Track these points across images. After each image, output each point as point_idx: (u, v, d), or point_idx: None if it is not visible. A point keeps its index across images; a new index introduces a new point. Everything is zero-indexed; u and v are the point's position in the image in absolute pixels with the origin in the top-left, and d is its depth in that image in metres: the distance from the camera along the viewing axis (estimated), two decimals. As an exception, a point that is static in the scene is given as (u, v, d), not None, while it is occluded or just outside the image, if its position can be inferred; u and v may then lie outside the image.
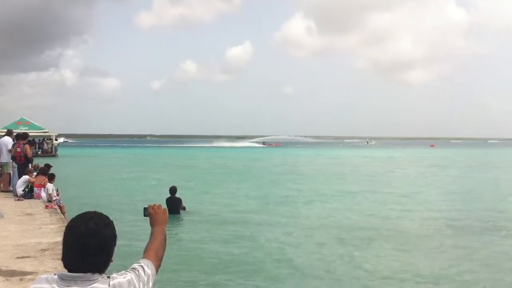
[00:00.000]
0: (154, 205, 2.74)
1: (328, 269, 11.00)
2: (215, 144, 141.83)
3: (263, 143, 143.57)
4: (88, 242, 2.13)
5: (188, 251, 12.05)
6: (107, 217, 2.28)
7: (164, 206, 2.84)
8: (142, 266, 2.31)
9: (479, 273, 10.68)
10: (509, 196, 24.44)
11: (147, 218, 2.72)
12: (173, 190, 15.88)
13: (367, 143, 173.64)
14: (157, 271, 2.41)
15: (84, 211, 2.29)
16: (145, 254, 2.46)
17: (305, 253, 12.58)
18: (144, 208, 2.76)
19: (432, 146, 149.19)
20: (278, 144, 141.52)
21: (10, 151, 15.65)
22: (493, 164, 56.43)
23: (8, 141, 15.89)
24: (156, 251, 2.48)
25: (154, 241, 2.54)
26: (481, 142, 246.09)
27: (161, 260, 2.49)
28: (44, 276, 2.20)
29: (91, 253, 2.14)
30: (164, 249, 2.56)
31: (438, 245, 13.55)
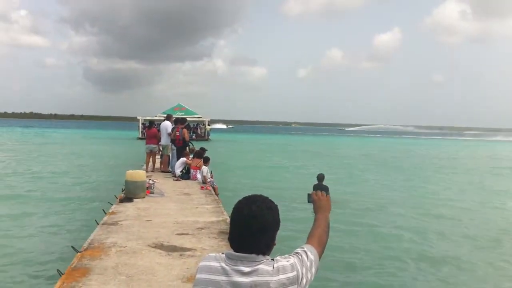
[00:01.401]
0: (318, 191, 2.72)
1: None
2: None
3: None
4: (250, 224, 2.17)
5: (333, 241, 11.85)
6: (271, 201, 2.30)
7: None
8: (305, 251, 2.30)
9: None
10: None
11: (310, 205, 2.67)
12: (320, 177, 15.76)
13: None
14: (320, 258, 2.38)
15: (249, 194, 2.32)
16: (308, 240, 2.45)
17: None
18: (308, 195, 2.75)
19: None
20: None
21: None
22: None
23: (168, 125, 16.98)
24: (319, 238, 2.46)
25: (317, 228, 2.52)
26: None
27: (324, 247, 2.47)
28: (213, 254, 2.27)
29: (252, 235, 2.17)
30: (327, 236, 2.53)
31: None
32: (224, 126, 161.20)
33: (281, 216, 2.32)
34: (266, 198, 2.30)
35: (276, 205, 2.30)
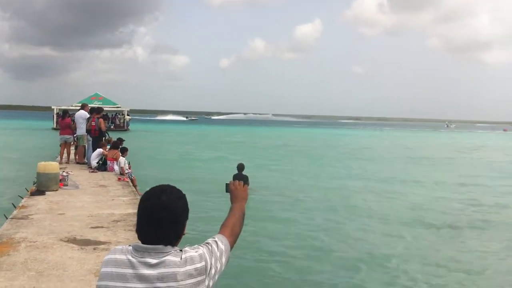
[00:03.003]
0: (236, 181, 2.73)
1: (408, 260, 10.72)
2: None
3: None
4: (160, 215, 2.13)
5: (254, 229, 12.07)
6: (179, 191, 2.26)
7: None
8: (216, 241, 2.28)
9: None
10: None
11: (223, 194, 2.69)
12: (240, 167, 15.92)
13: (447, 126, 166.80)
14: (232, 247, 2.38)
15: (157, 184, 2.27)
16: (221, 229, 2.43)
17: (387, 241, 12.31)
18: (226, 184, 2.76)
19: (505, 130, 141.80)
20: None
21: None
22: None
23: (83, 114, 16.44)
24: (232, 228, 2.45)
25: (231, 217, 2.52)
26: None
27: (237, 236, 2.47)
28: (119, 247, 2.22)
29: (163, 226, 2.13)
30: (241, 226, 2.53)
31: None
32: (182, 118, 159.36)
33: (198, 207, 2.33)
34: (174, 187, 2.26)
35: (184, 194, 2.27)
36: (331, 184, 20.95)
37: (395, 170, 27.32)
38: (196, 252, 2.16)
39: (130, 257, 2.12)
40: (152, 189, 2.24)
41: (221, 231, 2.41)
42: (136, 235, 2.20)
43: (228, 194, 2.71)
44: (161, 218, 2.13)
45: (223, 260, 2.26)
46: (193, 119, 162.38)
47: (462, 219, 14.47)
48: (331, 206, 15.80)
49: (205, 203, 14.49)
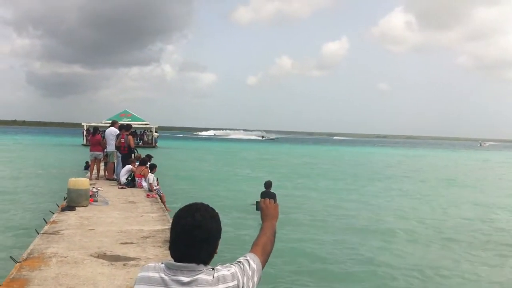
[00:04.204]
0: (266, 200, 2.70)
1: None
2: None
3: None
4: (194, 234, 2.13)
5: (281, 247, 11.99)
6: (213, 209, 2.27)
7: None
8: (247, 260, 2.28)
9: None
10: None
11: (253, 211, 2.68)
12: (268, 184, 15.86)
13: (480, 145, 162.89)
14: (263, 266, 2.37)
15: (190, 202, 2.28)
16: (253, 248, 2.43)
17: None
18: (257, 202, 2.76)
19: None
20: None
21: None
22: None
23: (113, 131, 16.67)
24: (263, 246, 2.44)
25: (262, 236, 2.51)
26: None
27: (268, 255, 2.45)
28: (152, 264, 2.23)
29: (196, 245, 2.14)
30: (272, 245, 2.52)
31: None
32: (258, 137, 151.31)
33: (228, 226, 2.33)
34: (208, 206, 2.27)
35: (218, 213, 2.27)
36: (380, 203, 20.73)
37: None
38: (228, 271, 2.16)
39: (163, 275, 2.12)
40: (186, 207, 2.25)
41: (252, 250, 2.41)
42: (166, 251, 2.21)
43: (259, 212, 2.70)
44: (195, 237, 2.14)
45: (255, 279, 2.25)
46: (272, 139, 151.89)
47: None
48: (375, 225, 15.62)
49: (235, 221, 14.44)
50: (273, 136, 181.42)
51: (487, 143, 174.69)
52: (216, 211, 2.28)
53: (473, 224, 16.38)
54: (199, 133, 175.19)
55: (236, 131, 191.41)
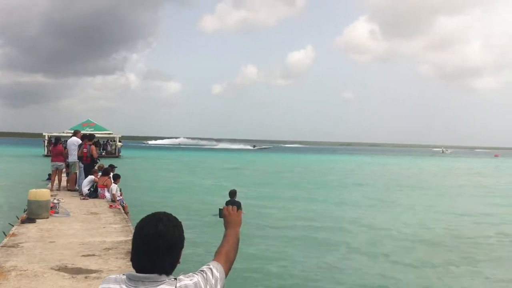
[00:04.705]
0: (229, 207, 2.70)
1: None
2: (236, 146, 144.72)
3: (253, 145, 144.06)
4: (157, 243, 2.11)
5: (246, 255, 12.00)
6: (176, 219, 2.24)
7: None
8: (210, 269, 2.27)
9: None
10: None
11: (216, 220, 2.69)
12: (232, 193, 15.86)
13: (443, 151, 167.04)
14: (227, 274, 2.37)
15: (153, 212, 2.25)
16: (216, 256, 2.42)
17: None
18: (220, 210, 2.74)
19: (496, 156, 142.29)
20: None
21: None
22: None
23: (75, 141, 16.41)
24: (227, 254, 2.44)
25: (225, 244, 2.51)
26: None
27: (231, 263, 2.45)
28: (113, 276, 2.20)
29: (159, 255, 2.11)
30: (236, 252, 2.52)
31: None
32: (248, 147, 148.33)
33: (191, 234, 2.33)
34: (170, 215, 2.24)
35: (181, 222, 2.25)
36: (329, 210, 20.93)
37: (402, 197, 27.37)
38: (190, 280, 2.15)
39: (124, 287, 2.10)
40: (148, 216, 2.22)
41: (216, 258, 2.40)
42: (129, 263, 2.18)
43: (222, 220, 2.68)
44: (158, 247, 2.11)
45: (218, 287, 2.24)
46: (263, 148, 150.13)
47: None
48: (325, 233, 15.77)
49: (198, 230, 14.40)
50: (266, 145, 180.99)
51: (449, 150, 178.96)
52: (179, 220, 2.25)
53: (434, 231, 16.74)
54: (149, 142, 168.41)
55: (222, 141, 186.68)
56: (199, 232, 14.03)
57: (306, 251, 13.17)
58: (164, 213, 2.25)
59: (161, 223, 2.16)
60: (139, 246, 2.15)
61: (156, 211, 2.29)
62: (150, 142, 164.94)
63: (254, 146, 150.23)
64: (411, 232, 16.35)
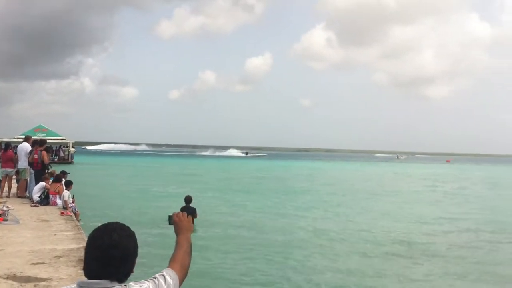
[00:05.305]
0: (179, 213, 2.73)
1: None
2: (229, 153, 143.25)
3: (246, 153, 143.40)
4: (111, 253, 2.12)
5: (200, 261, 12.00)
6: (129, 228, 2.27)
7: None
8: (163, 276, 2.30)
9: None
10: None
11: (168, 227, 2.72)
12: (188, 199, 15.87)
13: (398, 157, 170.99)
14: (183, 279, 2.41)
15: (106, 222, 2.28)
16: (170, 264, 2.45)
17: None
18: (169, 216, 2.76)
19: (447, 161, 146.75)
20: None
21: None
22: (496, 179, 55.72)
23: (26, 147, 16.02)
24: (181, 260, 2.47)
25: (179, 250, 2.54)
26: (494, 159, 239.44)
27: (187, 269, 2.48)
28: (65, 287, 2.23)
29: (113, 264, 2.13)
30: (190, 258, 2.55)
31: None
32: (240, 154, 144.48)
33: (144, 241, 2.35)
34: (124, 225, 2.26)
35: (134, 232, 2.28)
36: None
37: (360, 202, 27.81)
38: (140, 286, 2.17)
39: None
40: (102, 226, 2.23)
41: (170, 265, 2.42)
42: (80, 271, 2.22)
43: (172, 227, 2.70)
44: (112, 257, 2.12)
45: None
46: (257, 155, 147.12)
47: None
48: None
49: (152, 237, 14.29)
50: (260, 153, 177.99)
51: (403, 156, 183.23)
52: (132, 229, 2.28)
53: (386, 234, 17.13)
54: (87, 147, 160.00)
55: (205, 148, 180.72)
56: (153, 239, 13.93)
57: (249, 256, 13.26)
58: (117, 223, 2.27)
59: (115, 233, 2.17)
60: (93, 256, 2.16)
61: (109, 218, 2.35)
62: (88, 147, 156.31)
63: (246, 154, 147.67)
64: (359, 236, 16.65)
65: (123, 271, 2.16)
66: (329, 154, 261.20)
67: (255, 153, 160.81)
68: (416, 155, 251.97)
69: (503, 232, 18.30)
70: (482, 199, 32.04)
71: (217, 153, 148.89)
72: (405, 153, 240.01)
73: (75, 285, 2.14)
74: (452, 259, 13.83)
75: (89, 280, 2.12)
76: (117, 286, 2.12)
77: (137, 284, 2.19)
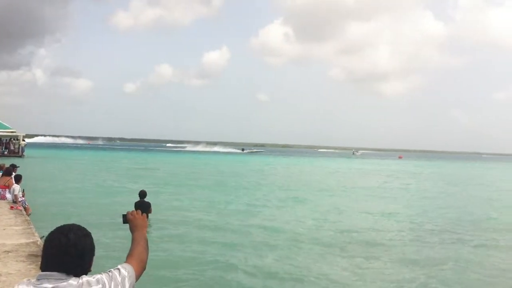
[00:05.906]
0: (133, 211, 2.78)
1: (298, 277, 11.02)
2: (190, 148, 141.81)
3: (242, 149, 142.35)
4: (69, 252, 2.20)
5: (155, 254, 11.90)
6: (85, 228, 2.35)
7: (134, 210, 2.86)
8: (118, 269, 2.37)
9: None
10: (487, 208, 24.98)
11: (122, 224, 2.76)
12: (142, 194, 15.69)
13: (353, 153, 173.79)
14: (140, 275, 2.46)
15: (61, 224, 2.34)
16: (127, 259, 2.51)
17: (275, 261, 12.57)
18: (123, 215, 2.78)
19: (400, 157, 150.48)
20: None
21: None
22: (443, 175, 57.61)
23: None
24: (138, 255, 2.53)
25: (136, 246, 2.59)
26: (445, 155, 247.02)
27: (145, 263, 2.54)
28: (26, 279, 2.27)
29: (70, 262, 2.20)
30: (147, 253, 2.61)
31: (399, 253, 13.76)
32: (237, 150, 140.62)
33: (99, 237, 2.38)
34: (80, 226, 2.34)
35: (90, 232, 2.35)
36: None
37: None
38: (93, 278, 2.24)
39: (31, 286, 2.18)
40: (58, 228, 2.31)
41: (126, 261, 2.49)
42: (29, 266, 2.31)
43: (127, 225, 2.75)
44: (70, 255, 2.20)
45: (126, 285, 2.33)
46: (253, 152, 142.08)
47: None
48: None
49: (107, 233, 14.03)
50: (258, 149, 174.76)
51: (360, 152, 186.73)
52: (88, 230, 2.35)
53: (339, 230, 17.43)
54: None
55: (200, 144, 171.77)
56: (108, 236, 13.69)
57: (204, 250, 13.27)
58: (74, 224, 2.36)
59: (72, 232, 2.26)
60: (51, 256, 2.23)
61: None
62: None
63: (243, 150, 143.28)
64: (309, 232, 16.79)
65: (80, 268, 2.23)
66: (286, 149, 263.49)
67: (251, 149, 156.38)
68: (372, 151, 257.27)
69: (451, 225, 18.92)
70: (432, 194, 32.97)
71: (207, 149, 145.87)
72: (361, 148, 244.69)
73: (35, 278, 2.21)
74: (394, 250, 14.20)
75: (44, 272, 2.20)
76: (72, 278, 2.19)
77: (91, 276, 2.25)
